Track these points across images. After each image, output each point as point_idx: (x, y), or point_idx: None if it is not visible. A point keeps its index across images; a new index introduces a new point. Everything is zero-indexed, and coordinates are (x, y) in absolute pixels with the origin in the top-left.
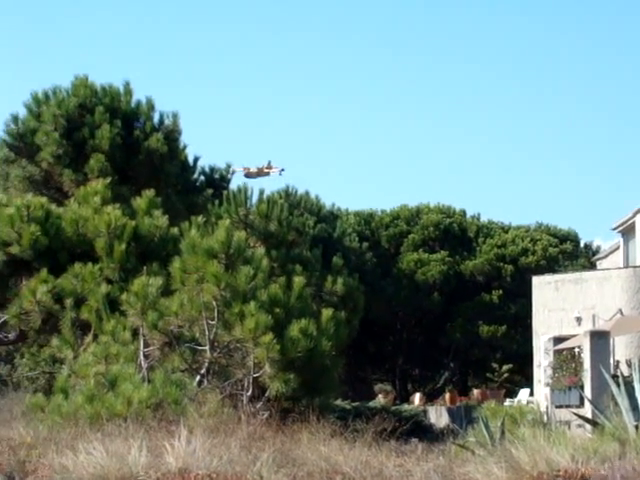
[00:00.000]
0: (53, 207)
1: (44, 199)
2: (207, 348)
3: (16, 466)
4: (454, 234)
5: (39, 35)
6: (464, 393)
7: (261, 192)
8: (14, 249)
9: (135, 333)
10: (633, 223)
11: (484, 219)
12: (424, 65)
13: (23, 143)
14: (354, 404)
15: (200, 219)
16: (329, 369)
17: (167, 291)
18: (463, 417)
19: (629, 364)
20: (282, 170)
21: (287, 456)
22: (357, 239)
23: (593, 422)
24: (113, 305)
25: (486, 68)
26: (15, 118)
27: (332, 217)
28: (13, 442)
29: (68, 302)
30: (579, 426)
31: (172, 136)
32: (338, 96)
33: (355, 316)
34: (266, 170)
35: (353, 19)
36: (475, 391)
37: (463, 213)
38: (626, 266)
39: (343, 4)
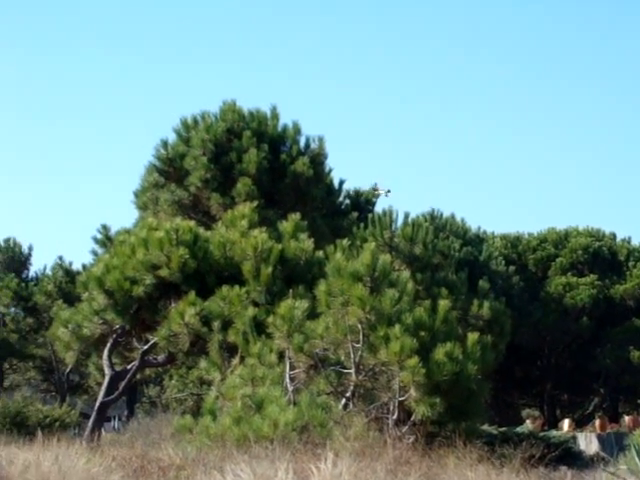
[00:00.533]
0: (201, 230)
1: (192, 223)
2: (352, 371)
3: None
4: (604, 257)
5: (188, 61)
6: (615, 420)
7: (406, 215)
8: (163, 272)
9: (281, 356)
10: None
11: (635, 242)
12: (574, 90)
13: (172, 168)
14: (501, 429)
15: (345, 242)
16: (475, 393)
17: (313, 314)
18: (614, 444)
19: None
20: (388, 191)
21: None
22: (503, 262)
23: None
24: (259, 328)
25: None
26: (165, 143)
27: (478, 240)
28: (162, 463)
29: (215, 325)
30: None
31: (318, 160)
32: (481, 117)
33: (502, 340)
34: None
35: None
36: (626, 418)
37: (613, 236)
38: None
39: None
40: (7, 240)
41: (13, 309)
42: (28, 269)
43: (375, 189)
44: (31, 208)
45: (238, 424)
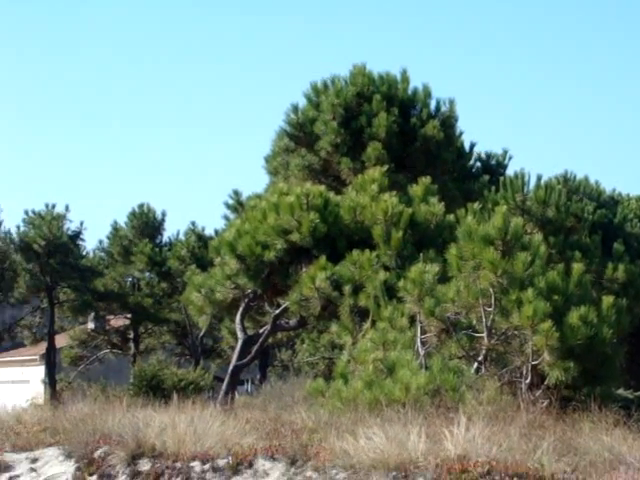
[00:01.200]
0: (331, 195)
1: (323, 187)
2: (484, 335)
3: (299, 449)
4: None
5: (319, 24)
6: None
7: (539, 178)
8: (294, 237)
9: (412, 320)
10: None
11: None
12: None
13: (302, 132)
14: (637, 394)
15: (476, 205)
16: (610, 357)
17: (443, 278)
18: None
19: None
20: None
21: (568, 445)
22: (639, 225)
23: None
24: (390, 292)
25: None
26: (295, 108)
27: (612, 202)
28: (295, 426)
29: (346, 289)
30: None
31: (448, 123)
32: (613, 77)
33: (637, 304)
34: None
35: None
36: None
37: None
38: None
39: None
40: (141, 206)
41: (147, 274)
42: (162, 234)
43: None
44: (164, 174)
45: (370, 388)
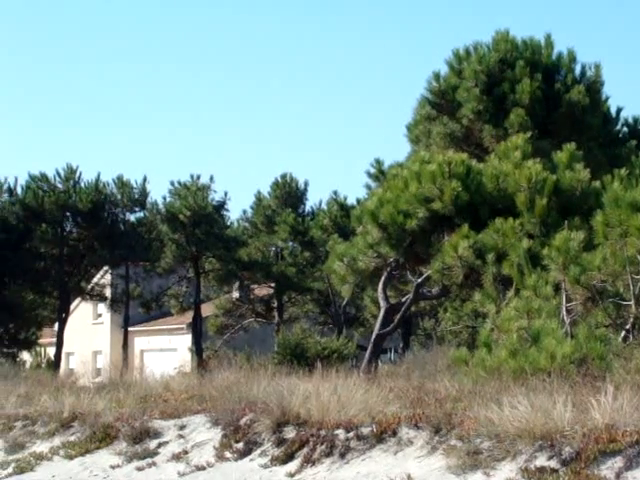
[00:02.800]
0: (473, 163)
1: (465, 155)
2: (632, 303)
3: (443, 418)
4: None
5: None
6: None
7: None
8: (436, 205)
9: (557, 288)
10: None
11: None
12: None
13: (444, 100)
14: None
15: (623, 172)
16: None
17: (589, 245)
18: None
19: None
20: None
21: None
22: None
23: None
24: (534, 260)
25: None
26: (437, 76)
27: None
28: (439, 395)
29: (489, 257)
30: None
31: (594, 88)
32: None
33: None
34: None
35: None
36: None
37: None
38: None
39: None
40: (284, 176)
41: (291, 243)
42: (304, 204)
43: None
44: (307, 144)
45: (514, 356)
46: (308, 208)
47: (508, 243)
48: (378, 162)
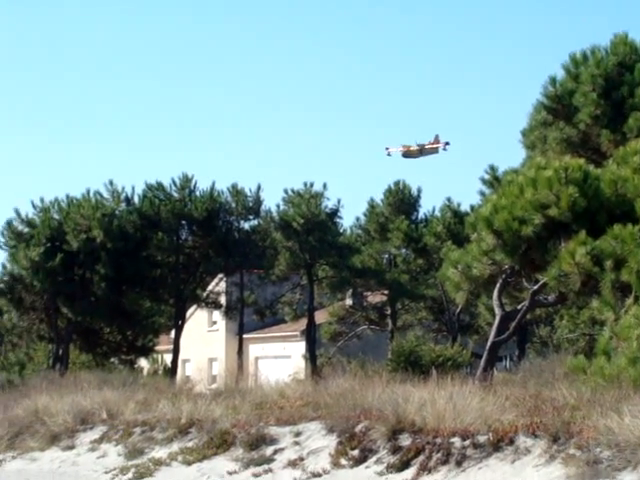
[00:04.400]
0: (591, 168)
1: (582, 160)
2: None
3: (561, 427)
4: None
5: None
6: None
7: None
8: (552, 211)
9: None
10: None
11: None
12: None
13: (561, 105)
14: None
15: None
16: None
17: None
18: None
19: None
20: (447, 144)
21: None
22: None
23: None
24: None
25: None
26: (553, 81)
27: None
28: (556, 403)
29: (607, 264)
30: None
31: None
32: None
33: None
34: (430, 147)
35: None
36: None
37: None
38: None
39: None
40: (397, 183)
41: (404, 250)
42: (417, 211)
43: (436, 142)
44: None
45: (634, 364)
46: (421, 215)
47: (627, 250)
48: (492, 168)
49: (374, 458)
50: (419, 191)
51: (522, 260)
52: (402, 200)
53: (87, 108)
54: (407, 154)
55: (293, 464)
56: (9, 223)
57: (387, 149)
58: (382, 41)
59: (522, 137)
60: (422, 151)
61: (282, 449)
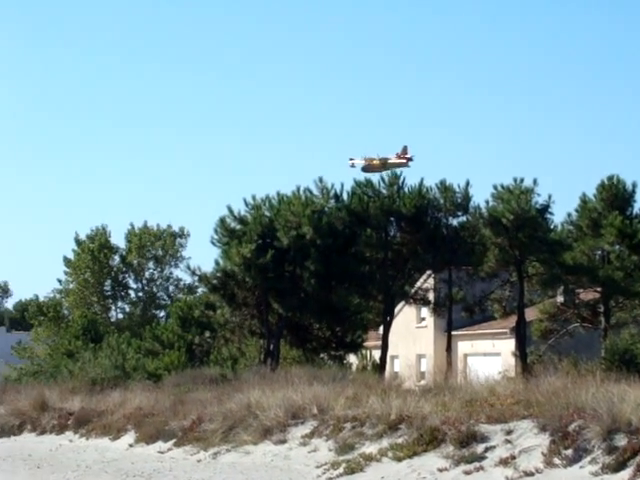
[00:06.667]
0: None
1: None
2: None
3: None
4: None
5: None
6: None
7: None
8: None
9: None
10: None
11: None
12: None
13: None
14: None
15: None
16: None
17: None
18: None
19: None
20: (409, 159)
21: None
22: None
23: None
24: None
25: None
26: None
27: None
28: None
29: None
30: None
31: None
32: None
33: None
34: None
35: None
36: None
37: None
38: None
39: None
40: (610, 178)
41: (617, 246)
42: (632, 206)
43: (400, 157)
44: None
45: None
46: (636, 210)
47: None
48: None
49: (588, 458)
50: (634, 186)
51: None
52: (616, 195)
53: (293, 108)
54: (368, 168)
55: (504, 462)
56: (222, 220)
57: (351, 160)
58: None
59: None
60: (385, 165)
61: (493, 447)
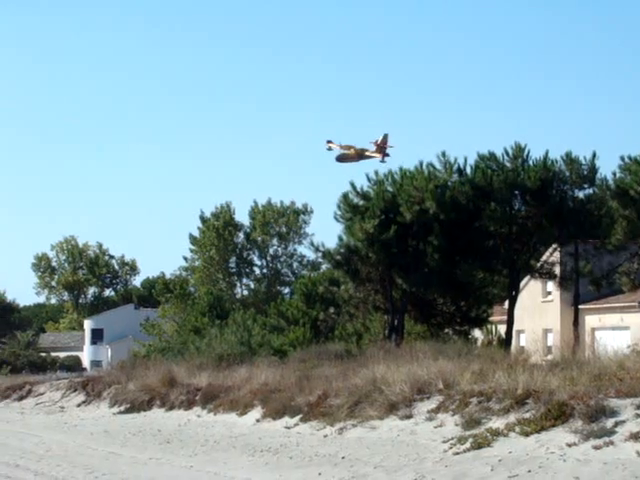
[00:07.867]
0: None
1: None
2: None
3: None
4: None
5: None
6: None
7: None
8: None
9: None
10: None
11: None
12: None
13: None
14: None
15: None
16: None
17: None
18: None
19: None
20: (385, 155)
21: None
22: None
23: None
24: None
25: None
26: None
27: None
28: None
29: None
30: None
31: None
32: None
33: None
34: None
35: None
36: None
37: None
38: None
39: None
40: None
41: None
42: None
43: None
44: None
45: None
46: None
47: None
48: None
49: None
50: None
51: None
52: None
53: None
54: (342, 158)
55: (635, 437)
56: (345, 196)
57: (328, 142)
58: None
59: None
60: (362, 156)
61: (623, 421)
